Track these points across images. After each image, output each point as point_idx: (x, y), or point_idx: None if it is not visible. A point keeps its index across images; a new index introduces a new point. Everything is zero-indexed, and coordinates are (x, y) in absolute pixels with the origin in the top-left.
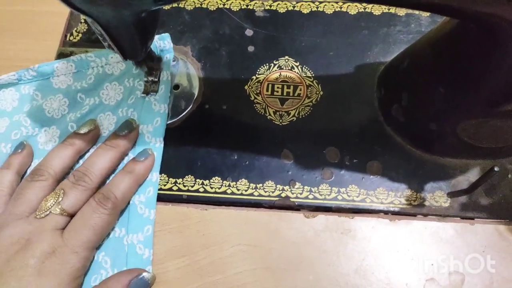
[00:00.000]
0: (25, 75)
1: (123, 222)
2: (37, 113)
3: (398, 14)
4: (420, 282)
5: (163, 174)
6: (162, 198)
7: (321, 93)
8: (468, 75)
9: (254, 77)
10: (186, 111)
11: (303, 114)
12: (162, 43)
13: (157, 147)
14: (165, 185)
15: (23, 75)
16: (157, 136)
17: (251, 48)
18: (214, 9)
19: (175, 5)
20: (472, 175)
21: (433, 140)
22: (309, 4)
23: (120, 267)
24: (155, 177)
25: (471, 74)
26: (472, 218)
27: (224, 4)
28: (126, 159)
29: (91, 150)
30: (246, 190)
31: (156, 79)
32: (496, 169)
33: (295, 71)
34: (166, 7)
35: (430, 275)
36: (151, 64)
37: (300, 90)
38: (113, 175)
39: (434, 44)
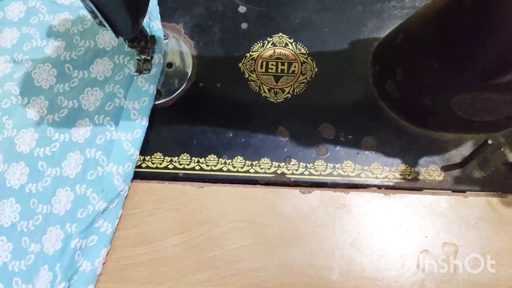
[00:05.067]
0: None
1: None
2: (26, 82)
3: None
4: (415, 254)
5: (158, 153)
6: (158, 176)
7: (316, 69)
8: (462, 49)
9: (248, 55)
10: (180, 89)
11: (297, 91)
12: (153, 23)
13: (143, 124)
14: (160, 164)
15: None
16: (143, 114)
17: (244, 25)
18: None
19: None
20: (466, 149)
21: (427, 114)
22: None
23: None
24: (135, 154)
25: (465, 48)
26: (465, 191)
27: None
28: (111, 134)
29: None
30: (242, 167)
31: (149, 57)
32: (489, 142)
33: (289, 48)
34: None
35: (424, 246)
36: (143, 42)
37: (295, 67)
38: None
39: (428, 19)
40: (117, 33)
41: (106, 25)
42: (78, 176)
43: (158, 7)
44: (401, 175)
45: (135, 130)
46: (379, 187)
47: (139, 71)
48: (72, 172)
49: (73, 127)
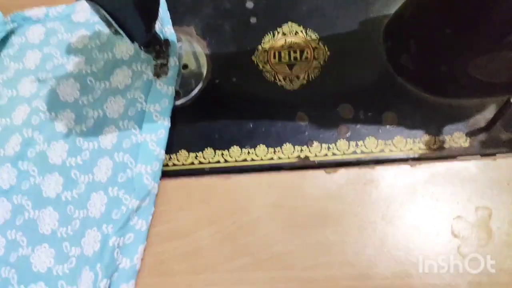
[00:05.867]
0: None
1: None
2: (52, 98)
3: None
4: (448, 221)
5: (183, 150)
6: (185, 172)
7: (328, 53)
8: (473, 10)
9: (260, 47)
10: (197, 88)
11: (312, 76)
12: (165, 28)
13: (165, 125)
14: (186, 160)
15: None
16: (165, 115)
17: (253, 20)
18: None
19: None
20: (489, 113)
21: (446, 82)
22: None
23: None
24: (161, 153)
25: (478, 9)
26: (494, 154)
27: None
28: (137, 137)
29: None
30: (265, 155)
31: (165, 62)
32: None
33: (299, 36)
34: None
35: (456, 213)
36: (158, 47)
37: (307, 53)
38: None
39: None
40: (132, 39)
41: (121, 32)
42: (109, 180)
43: (168, 12)
44: (425, 145)
45: (158, 131)
46: (405, 159)
47: (157, 75)
48: (104, 177)
49: (100, 135)
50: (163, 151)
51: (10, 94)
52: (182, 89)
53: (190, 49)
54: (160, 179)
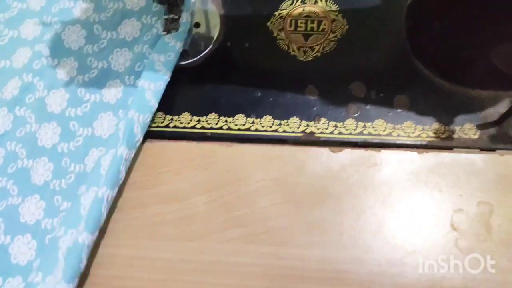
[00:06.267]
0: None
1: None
2: (56, 43)
3: None
4: (448, 213)
5: (186, 113)
6: (186, 136)
7: (347, 27)
8: None
9: (276, 13)
10: (208, 49)
11: (327, 49)
12: None
13: (165, 78)
14: (188, 123)
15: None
16: (167, 68)
17: None
18: None
19: None
20: (502, 107)
21: (463, 70)
22: None
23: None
24: (154, 106)
25: None
26: (502, 150)
27: None
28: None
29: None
30: (270, 127)
31: (176, 17)
32: None
33: (319, 5)
34: None
35: (458, 206)
36: (172, 0)
37: (325, 25)
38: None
39: None
40: None
41: None
42: (112, 137)
43: None
44: (434, 133)
45: (157, 82)
46: (412, 146)
47: (167, 30)
48: (106, 133)
49: (104, 87)
50: (156, 105)
51: (11, 34)
52: (191, 48)
53: (204, 7)
54: (160, 141)
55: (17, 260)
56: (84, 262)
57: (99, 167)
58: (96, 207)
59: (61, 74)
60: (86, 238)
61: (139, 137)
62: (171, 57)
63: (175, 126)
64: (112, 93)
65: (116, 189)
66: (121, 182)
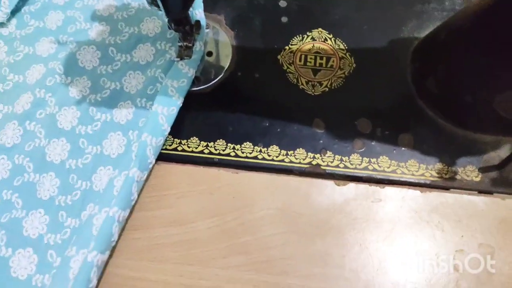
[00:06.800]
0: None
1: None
2: (70, 62)
3: None
4: (450, 252)
5: (194, 137)
6: (193, 160)
7: (354, 65)
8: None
9: (287, 47)
10: (219, 77)
11: (335, 85)
12: (196, 12)
13: (178, 103)
14: (196, 148)
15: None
16: (180, 94)
17: (284, 19)
18: None
19: None
20: (504, 152)
21: (467, 113)
22: None
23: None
24: (167, 130)
25: None
26: (503, 193)
27: None
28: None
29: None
30: (277, 156)
31: (190, 45)
32: None
33: (328, 43)
34: None
35: (459, 246)
36: (187, 28)
37: (333, 61)
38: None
39: (478, 14)
40: (168, 11)
41: (159, 2)
42: (120, 157)
43: None
44: (438, 173)
45: (171, 107)
46: (416, 184)
47: (180, 57)
48: (114, 152)
49: (115, 108)
50: (169, 129)
51: (26, 51)
52: (203, 75)
53: (217, 37)
54: (167, 163)
55: (16, 274)
56: (94, 282)
57: (112, 188)
58: (107, 226)
59: (74, 92)
60: (95, 257)
61: (152, 159)
62: (184, 83)
63: (183, 150)
64: (123, 113)
65: (128, 210)
66: (133, 203)
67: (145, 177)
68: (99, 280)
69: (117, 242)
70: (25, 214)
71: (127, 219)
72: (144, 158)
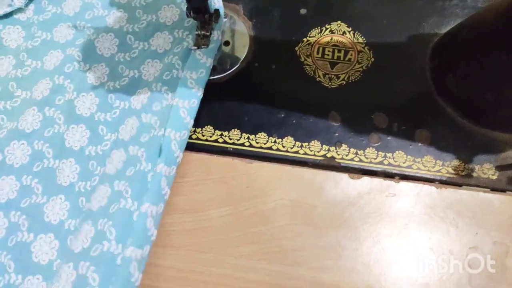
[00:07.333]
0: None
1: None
2: (89, 49)
3: None
4: (463, 250)
5: (209, 126)
6: (207, 149)
7: (372, 59)
8: None
9: (305, 39)
10: (235, 67)
11: (353, 78)
12: (215, 0)
13: (198, 95)
14: (211, 137)
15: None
16: (199, 85)
17: (303, 11)
18: None
19: None
20: None
21: (486, 111)
22: None
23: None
24: (190, 123)
25: None
26: None
27: None
28: (168, 101)
29: (135, 95)
30: (291, 148)
31: (208, 33)
32: None
33: (346, 36)
34: None
35: (474, 243)
36: (206, 16)
37: (351, 55)
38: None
39: (501, 12)
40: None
41: None
42: (132, 139)
43: None
44: (454, 170)
45: (191, 99)
46: (431, 180)
47: (197, 45)
48: (127, 136)
49: (133, 95)
50: (192, 121)
51: (44, 36)
52: (219, 64)
53: (234, 27)
54: None
55: (38, 258)
56: (136, 275)
57: (146, 183)
58: (141, 221)
59: (92, 79)
60: (132, 252)
61: (178, 153)
62: (203, 74)
63: (197, 138)
64: (139, 99)
65: (162, 204)
66: (166, 197)
67: (174, 170)
68: None
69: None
70: (45, 200)
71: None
72: (170, 153)
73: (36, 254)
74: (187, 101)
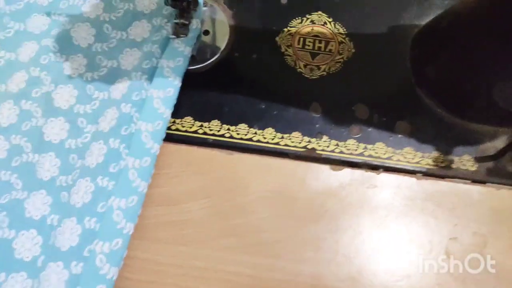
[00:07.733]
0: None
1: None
2: (64, 39)
3: None
4: (443, 240)
5: (189, 117)
6: (187, 140)
7: (353, 50)
8: None
9: (285, 30)
10: (215, 57)
11: (333, 69)
12: None
13: (175, 84)
14: (190, 128)
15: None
16: (177, 74)
17: (284, 1)
18: None
19: None
20: (500, 143)
21: (465, 102)
22: None
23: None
24: (166, 113)
25: None
26: (498, 184)
27: None
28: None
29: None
30: (272, 139)
31: (186, 22)
32: None
33: (327, 27)
34: None
35: (453, 234)
36: (185, 4)
37: (332, 46)
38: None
39: (481, 3)
40: None
41: None
42: (112, 130)
43: None
44: (434, 161)
45: (167, 89)
46: (411, 172)
47: (176, 34)
48: (107, 127)
49: (112, 85)
50: (168, 111)
51: (17, 27)
52: (198, 54)
53: (214, 16)
54: None
55: (21, 255)
56: (106, 268)
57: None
58: (108, 215)
59: (69, 70)
60: (96, 245)
61: (152, 144)
62: (180, 63)
63: (177, 129)
64: (119, 89)
65: (134, 197)
66: (140, 190)
67: (148, 163)
68: None
69: None
70: (26, 195)
71: None
72: (140, 145)
73: (18, 251)
74: (162, 91)
